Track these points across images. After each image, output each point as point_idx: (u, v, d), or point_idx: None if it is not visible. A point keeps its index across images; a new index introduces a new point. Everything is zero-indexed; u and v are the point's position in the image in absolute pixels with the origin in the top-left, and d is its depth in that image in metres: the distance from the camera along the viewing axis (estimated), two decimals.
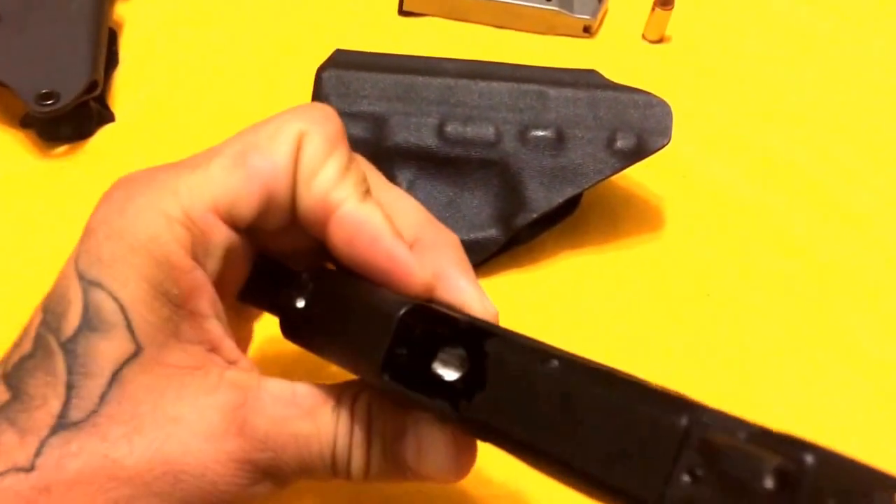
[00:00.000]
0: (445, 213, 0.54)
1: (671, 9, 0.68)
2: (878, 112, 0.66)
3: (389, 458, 0.32)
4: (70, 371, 0.29)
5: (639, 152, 0.54)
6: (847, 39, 0.71)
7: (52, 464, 0.28)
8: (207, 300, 0.31)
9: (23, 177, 0.57)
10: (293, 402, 0.31)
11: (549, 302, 0.54)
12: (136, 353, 0.29)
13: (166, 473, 0.29)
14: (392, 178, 0.54)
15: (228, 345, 0.32)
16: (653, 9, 0.68)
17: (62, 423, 0.28)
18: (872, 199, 0.60)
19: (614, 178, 0.54)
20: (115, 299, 0.29)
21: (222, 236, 0.31)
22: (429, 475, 0.32)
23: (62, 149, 0.58)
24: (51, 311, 0.30)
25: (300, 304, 0.33)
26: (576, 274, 0.55)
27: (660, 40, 0.69)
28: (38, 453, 0.28)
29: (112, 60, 0.62)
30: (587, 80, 0.56)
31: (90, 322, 0.29)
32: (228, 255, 0.32)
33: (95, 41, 0.59)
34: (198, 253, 0.31)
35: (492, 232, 0.54)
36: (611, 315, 0.53)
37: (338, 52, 0.58)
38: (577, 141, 0.54)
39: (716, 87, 0.66)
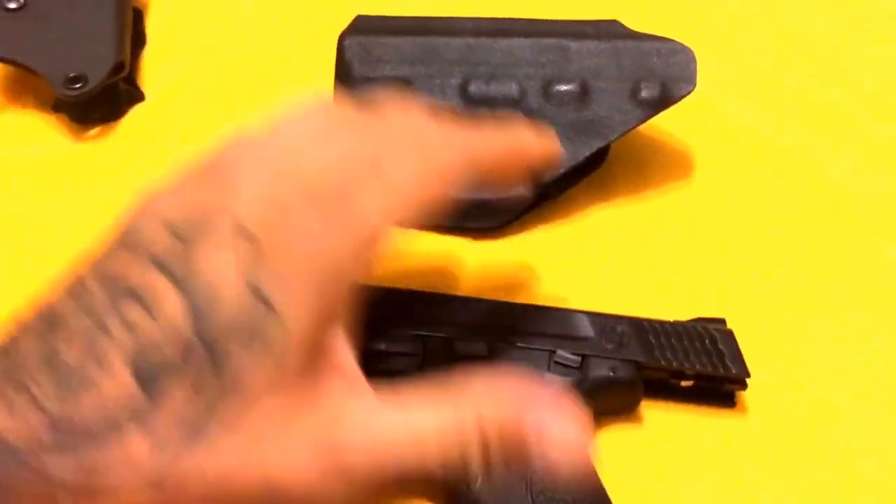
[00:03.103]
0: None
1: None
2: None
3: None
4: (220, 389, 0.28)
5: (664, 101, 0.53)
6: None
7: (175, 478, 0.28)
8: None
9: (58, 160, 0.58)
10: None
11: (581, 256, 0.54)
12: (282, 378, 0.29)
13: (268, 493, 0.29)
14: None
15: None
16: None
17: (190, 435, 0.28)
18: None
19: (641, 128, 0.54)
20: (282, 323, 0.29)
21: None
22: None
23: (95, 130, 0.59)
24: (205, 315, 0.28)
25: None
26: (607, 226, 0.55)
27: None
28: (162, 469, 0.28)
29: (139, 40, 0.63)
30: (608, 30, 0.56)
31: (251, 340, 0.29)
32: None
33: (120, 22, 0.60)
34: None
35: (520, 190, 0.54)
36: (644, 266, 0.54)
37: (359, 18, 0.58)
38: (601, 93, 0.54)
39: (739, 31, 0.65)
